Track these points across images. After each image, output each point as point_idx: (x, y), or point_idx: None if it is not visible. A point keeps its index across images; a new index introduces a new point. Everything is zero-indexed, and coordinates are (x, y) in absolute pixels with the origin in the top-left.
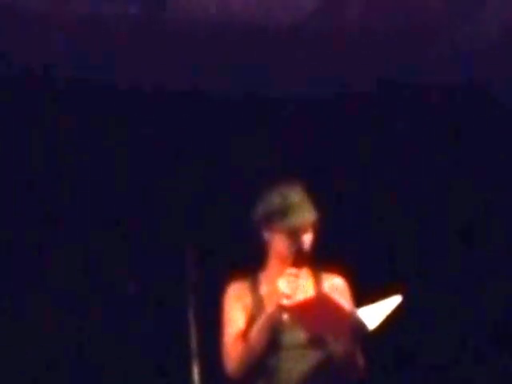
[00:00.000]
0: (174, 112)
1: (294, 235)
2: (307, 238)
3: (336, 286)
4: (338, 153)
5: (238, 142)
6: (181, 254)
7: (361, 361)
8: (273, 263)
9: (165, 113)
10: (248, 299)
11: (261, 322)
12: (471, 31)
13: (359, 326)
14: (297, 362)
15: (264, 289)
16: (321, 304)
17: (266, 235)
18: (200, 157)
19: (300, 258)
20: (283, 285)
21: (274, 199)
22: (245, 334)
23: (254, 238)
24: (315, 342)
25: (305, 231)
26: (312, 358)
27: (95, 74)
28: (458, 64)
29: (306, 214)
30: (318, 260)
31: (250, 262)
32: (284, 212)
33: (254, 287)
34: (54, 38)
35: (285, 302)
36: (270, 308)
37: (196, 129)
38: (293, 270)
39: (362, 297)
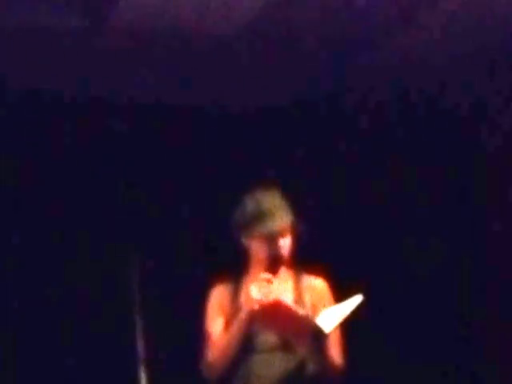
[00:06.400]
0: (119, 125)
1: (271, 240)
2: (285, 242)
3: (315, 286)
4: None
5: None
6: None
7: (337, 360)
8: (253, 268)
9: (108, 125)
10: (228, 306)
11: (232, 327)
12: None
13: (315, 329)
14: (271, 364)
15: (244, 295)
16: (278, 310)
17: (245, 242)
18: (149, 168)
19: (277, 262)
20: (255, 290)
21: (249, 205)
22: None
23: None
24: (288, 345)
25: (282, 235)
26: (286, 360)
27: (34, 86)
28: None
29: (280, 219)
30: (300, 262)
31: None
32: (259, 218)
33: (236, 292)
34: None
35: (256, 307)
36: (242, 313)
37: (134, 141)
38: (266, 276)
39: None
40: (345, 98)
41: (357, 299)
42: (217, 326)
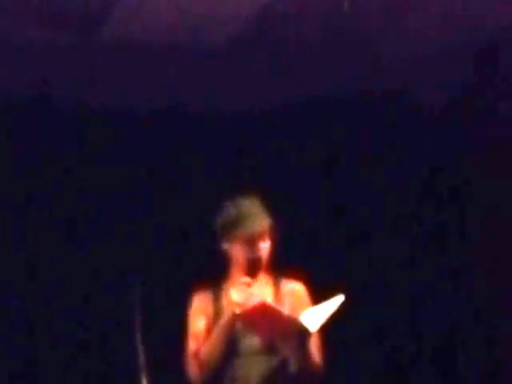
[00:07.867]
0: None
1: (251, 243)
2: (263, 246)
3: (294, 291)
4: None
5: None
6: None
7: (318, 360)
8: (234, 273)
9: (111, 135)
10: (210, 310)
11: (215, 332)
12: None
13: (301, 329)
14: (254, 368)
15: (225, 299)
16: (264, 312)
17: (225, 246)
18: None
19: (256, 266)
20: (235, 294)
21: (229, 210)
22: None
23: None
24: (270, 347)
25: (260, 239)
26: (269, 363)
27: (29, 100)
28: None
29: (259, 222)
30: (278, 267)
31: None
32: (239, 221)
33: (217, 297)
34: None
35: (237, 310)
36: (224, 317)
37: (126, 153)
38: (245, 279)
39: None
40: (338, 102)
41: (339, 299)
42: (199, 329)
